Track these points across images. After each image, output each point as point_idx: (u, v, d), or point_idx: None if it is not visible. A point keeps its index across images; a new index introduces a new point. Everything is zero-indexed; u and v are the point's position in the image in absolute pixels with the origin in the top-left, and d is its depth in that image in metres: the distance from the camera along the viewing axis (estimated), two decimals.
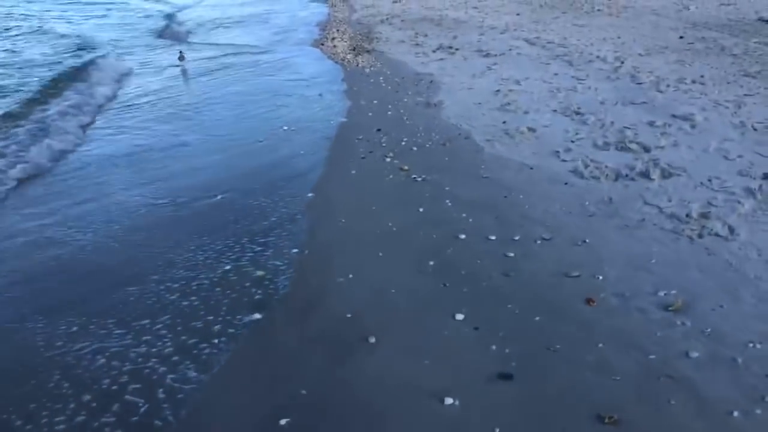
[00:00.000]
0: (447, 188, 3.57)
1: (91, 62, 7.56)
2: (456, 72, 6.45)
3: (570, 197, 3.37)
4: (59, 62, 7.68)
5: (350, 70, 6.99)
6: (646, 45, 6.92)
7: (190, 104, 5.88)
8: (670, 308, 2.38)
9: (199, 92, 6.34)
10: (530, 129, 4.44)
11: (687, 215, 3.03)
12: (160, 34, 10.66)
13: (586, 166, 3.71)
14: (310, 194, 3.69)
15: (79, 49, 8.49)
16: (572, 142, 4.13)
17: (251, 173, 4.16)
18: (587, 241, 2.92)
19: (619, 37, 7.45)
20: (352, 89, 6.04)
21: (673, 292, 2.46)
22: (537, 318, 2.39)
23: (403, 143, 4.43)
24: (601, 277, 2.62)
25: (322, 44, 8.74)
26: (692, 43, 6.96)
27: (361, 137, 4.62)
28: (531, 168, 3.78)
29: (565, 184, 3.53)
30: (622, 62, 6.08)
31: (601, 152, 3.92)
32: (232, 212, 3.49)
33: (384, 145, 4.44)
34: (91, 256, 3.05)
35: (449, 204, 3.38)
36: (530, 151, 4.06)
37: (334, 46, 8.41)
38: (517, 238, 2.99)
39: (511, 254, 2.86)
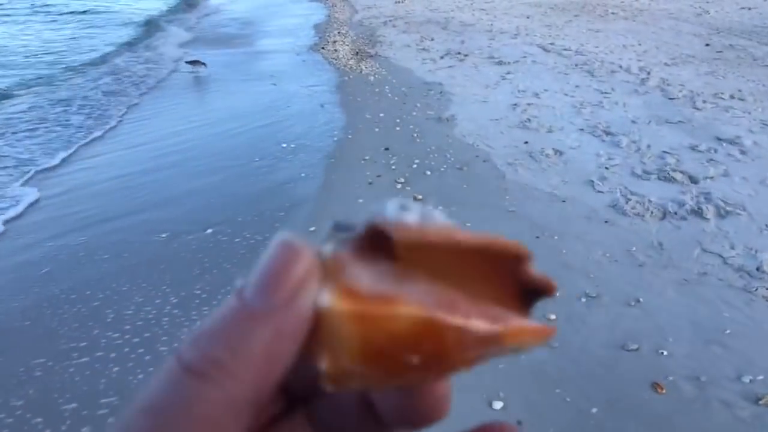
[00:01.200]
0: (468, 225, 3.10)
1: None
2: (467, 81, 5.98)
3: (613, 240, 2.91)
4: None
5: (353, 77, 6.51)
6: (671, 53, 6.46)
7: (183, 117, 5.40)
8: (760, 401, 1.93)
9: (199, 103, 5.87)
10: (557, 151, 3.98)
11: (758, 269, 2.57)
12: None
13: (627, 200, 3.24)
14: (312, 228, 3.23)
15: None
16: (606, 168, 3.67)
17: (247, 200, 3.69)
18: (641, 300, 2.46)
19: (639, 44, 6.99)
20: (356, 100, 5.56)
21: (761, 377, 2.01)
22: (594, 410, 1.94)
23: (415, 166, 3.96)
24: (665, 353, 2.16)
25: (323, 48, 8.26)
26: (721, 52, 6.51)
27: (367, 157, 4.15)
28: (563, 200, 3.32)
29: (606, 222, 3.07)
30: (649, 73, 5.61)
31: (641, 182, 3.46)
32: (220, 252, 3.03)
33: (393, 167, 3.97)
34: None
35: None
36: (559, 179, 3.59)
37: (335, 51, 7.93)
38: (557, 294, 2.53)
39: (552, 317, 2.40)
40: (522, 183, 3.57)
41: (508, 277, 0.27)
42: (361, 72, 6.67)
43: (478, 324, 0.25)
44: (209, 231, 3.28)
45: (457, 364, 0.24)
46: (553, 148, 4.02)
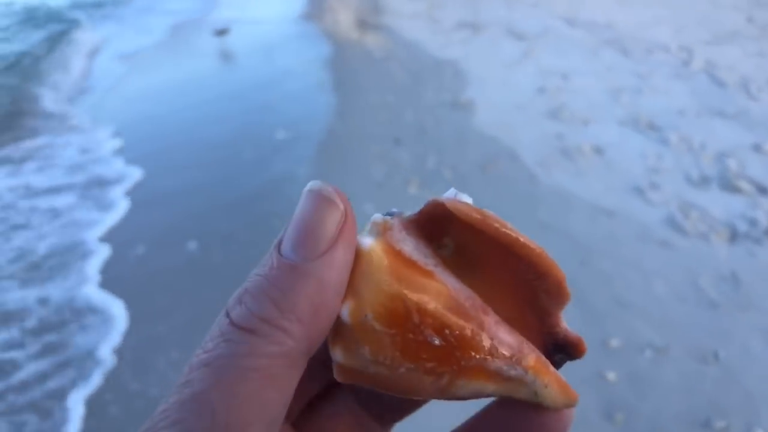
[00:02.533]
0: None
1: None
2: (484, 59, 5.37)
3: (674, 268, 2.41)
4: None
5: (356, 52, 5.89)
6: (711, 29, 5.82)
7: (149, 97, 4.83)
8: None
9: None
10: (595, 149, 3.43)
11: None
12: None
13: (686, 216, 2.73)
14: None
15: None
16: (655, 172, 3.14)
17: (237, 204, 3.18)
18: (720, 354, 1.98)
19: (675, 18, 6.33)
20: (360, 80, 4.97)
21: None
22: None
23: (430, 164, 3.43)
24: None
25: (320, 17, 7.57)
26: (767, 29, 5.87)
27: (374, 151, 3.62)
28: (609, 214, 2.80)
29: (663, 244, 2.56)
30: (690, 53, 5.01)
31: (699, 192, 2.94)
32: (205, 277, 2.53)
33: (404, 165, 3.45)
34: None
35: None
36: (602, 184, 3.07)
37: (336, 21, 7.26)
38: (614, 343, 2.04)
39: (611, 376, 1.92)
40: (558, 189, 3.04)
41: (539, 318, 0.26)
42: (364, 46, 6.05)
43: (506, 337, 0.24)
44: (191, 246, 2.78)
45: (473, 373, 0.24)
46: (591, 145, 3.48)
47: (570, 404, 0.25)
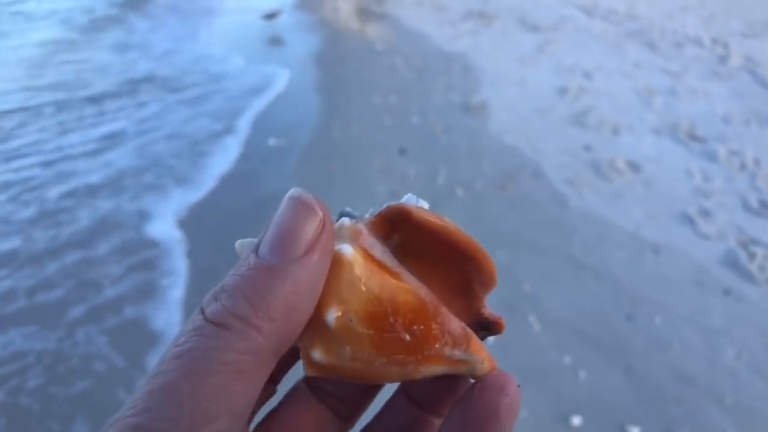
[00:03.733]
0: (525, 286, 2.16)
1: None
2: (496, 52, 4.89)
3: (745, 327, 1.98)
4: None
5: (356, 45, 5.40)
6: (744, 19, 5.34)
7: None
8: None
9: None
10: (630, 164, 2.99)
11: None
12: None
13: (750, 254, 2.29)
14: None
15: None
16: (705, 196, 2.69)
17: (223, 232, 2.73)
18: None
19: (702, 6, 5.83)
20: (361, 77, 4.49)
21: None
22: None
23: (441, 180, 2.98)
24: None
25: (316, 4, 7.04)
26: None
27: (378, 163, 3.17)
28: (655, 249, 2.36)
29: (726, 293, 2.13)
30: (726, 47, 4.53)
31: (761, 221, 2.50)
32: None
33: (411, 181, 3.00)
34: None
35: (535, 326, 1.99)
36: (642, 210, 2.62)
37: (335, 9, 6.73)
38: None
39: None
40: (592, 215, 2.60)
41: (468, 302, 0.31)
42: (365, 38, 5.55)
43: (456, 327, 0.29)
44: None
45: (432, 360, 0.28)
46: (626, 160, 3.03)
47: (492, 370, 0.29)
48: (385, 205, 0.30)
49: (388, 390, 0.34)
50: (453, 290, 0.30)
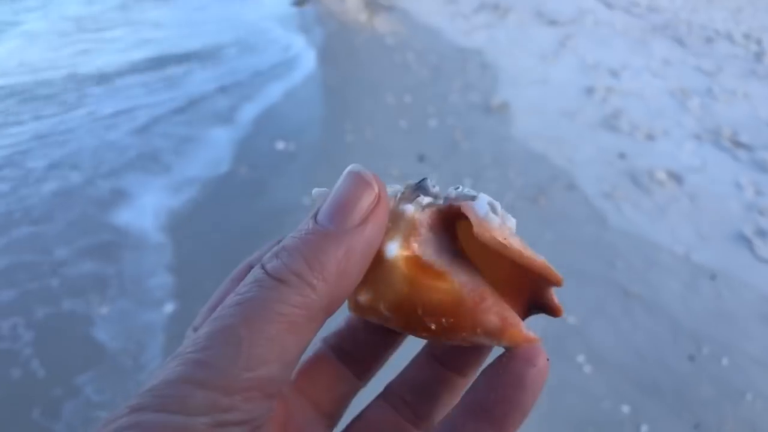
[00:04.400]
0: (570, 319, 1.94)
1: None
2: (515, 49, 4.63)
3: None
4: None
5: (365, 39, 5.13)
6: None
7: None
8: None
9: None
10: (672, 175, 2.75)
11: None
12: None
13: None
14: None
15: None
16: (760, 213, 2.46)
17: (222, 253, 2.49)
18: None
19: None
20: (373, 74, 4.24)
21: None
22: None
23: (466, 191, 2.74)
24: None
25: None
26: None
27: (396, 171, 2.93)
28: (711, 274, 2.13)
29: None
30: (759, 44, 4.27)
31: None
32: None
33: (435, 192, 2.76)
34: None
35: (585, 368, 1.76)
36: (691, 229, 2.39)
37: (340, 0, 6.44)
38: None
39: None
40: (635, 235, 2.37)
41: (529, 286, 0.32)
42: (374, 32, 5.28)
43: (493, 319, 0.29)
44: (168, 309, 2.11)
45: (458, 339, 0.30)
46: (666, 170, 2.79)
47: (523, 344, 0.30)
48: (453, 194, 0.31)
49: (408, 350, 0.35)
50: (513, 283, 0.31)
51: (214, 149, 3.25)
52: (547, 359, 0.30)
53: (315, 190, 0.31)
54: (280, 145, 3.32)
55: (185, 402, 0.23)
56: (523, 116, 3.48)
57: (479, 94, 3.83)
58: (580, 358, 1.81)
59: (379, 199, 0.28)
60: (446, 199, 0.31)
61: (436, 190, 0.31)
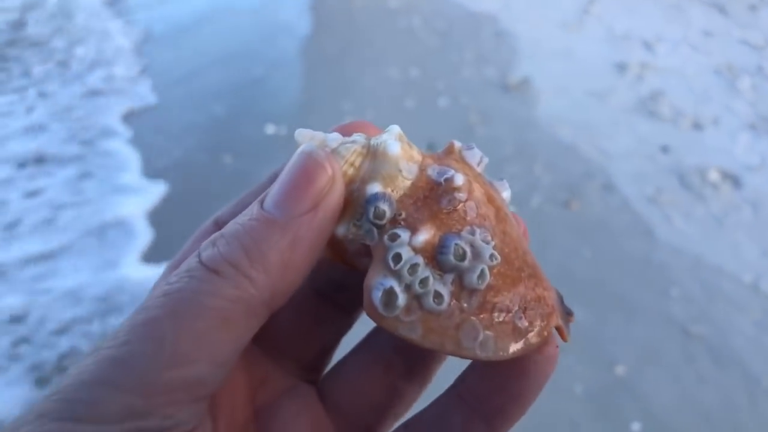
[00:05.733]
0: (619, 369, 1.57)
1: None
2: (531, 14, 4.12)
3: None
4: None
5: (364, 1, 4.58)
6: None
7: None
8: None
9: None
10: (727, 175, 2.34)
11: None
12: None
13: None
14: None
15: None
16: None
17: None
18: None
19: None
20: (374, 43, 3.74)
21: None
22: None
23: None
24: None
25: None
26: None
27: None
28: None
29: None
30: None
31: None
32: None
33: None
34: None
35: None
36: (755, 245, 2.01)
37: None
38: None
39: None
40: (689, 253, 1.98)
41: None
42: None
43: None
44: None
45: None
46: (719, 169, 2.38)
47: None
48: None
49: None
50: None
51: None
52: (557, 347, 0.26)
53: (298, 131, 0.28)
54: (270, 129, 2.88)
55: (95, 408, 0.20)
56: (547, 96, 3.04)
57: (495, 68, 3.37)
58: (636, 427, 1.45)
59: (333, 182, 0.25)
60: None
61: (385, 212, 0.27)
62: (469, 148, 0.31)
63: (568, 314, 0.29)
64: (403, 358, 0.31)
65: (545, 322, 0.27)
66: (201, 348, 0.22)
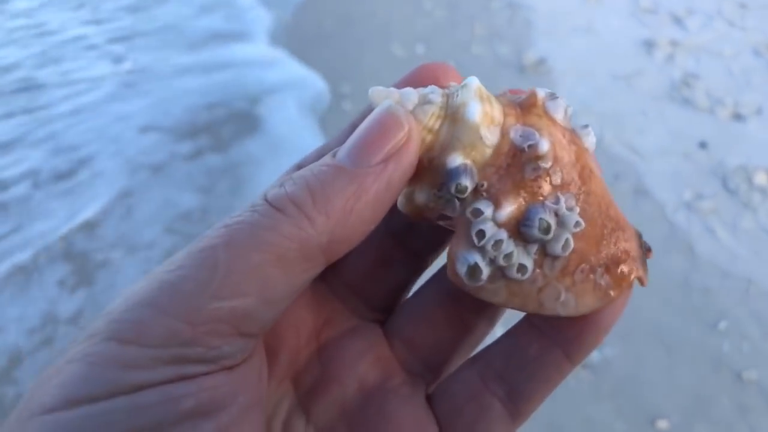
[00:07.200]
0: (661, 425, 1.35)
1: None
2: None
3: None
4: None
5: None
6: None
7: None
8: None
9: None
10: None
11: None
12: None
13: None
14: None
15: None
16: None
17: None
18: None
19: None
20: (375, 15, 3.39)
21: None
22: None
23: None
24: None
25: None
26: None
27: None
28: None
29: None
30: None
31: None
32: None
33: None
34: None
35: None
36: None
37: None
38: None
39: None
40: (736, 275, 1.73)
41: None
42: None
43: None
44: None
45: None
46: (766, 169, 2.11)
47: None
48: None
49: None
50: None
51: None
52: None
53: (372, 89, 0.28)
54: (262, 109, 2.59)
55: (141, 330, 0.20)
56: (567, 79, 2.73)
57: (509, 46, 3.05)
58: None
59: (408, 138, 0.25)
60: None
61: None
62: (553, 98, 0.29)
63: (647, 250, 0.29)
64: None
65: (626, 276, 0.27)
66: (253, 281, 0.22)
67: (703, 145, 2.25)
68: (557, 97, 0.29)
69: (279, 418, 0.28)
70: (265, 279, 0.22)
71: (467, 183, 0.26)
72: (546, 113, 0.29)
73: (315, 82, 2.80)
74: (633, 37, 3.03)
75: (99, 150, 2.32)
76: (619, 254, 0.27)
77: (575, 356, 0.27)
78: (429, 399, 0.30)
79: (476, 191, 0.26)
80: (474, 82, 0.28)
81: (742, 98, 2.48)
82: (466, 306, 0.31)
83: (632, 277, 0.27)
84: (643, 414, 1.39)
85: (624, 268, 0.27)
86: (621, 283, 0.27)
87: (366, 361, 0.30)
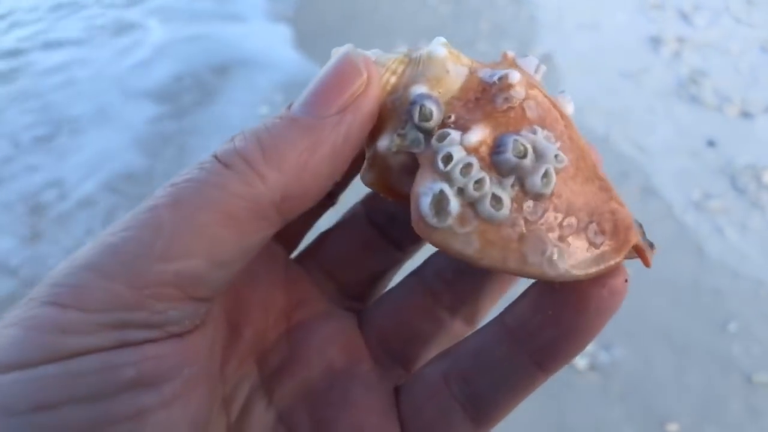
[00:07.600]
0: (671, 429, 1.33)
1: None
2: None
3: None
4: None
5: None
6: None
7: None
8: None
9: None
10: None
11: None
12: None
13: None
14: None
15: None
16: None
17: None
18: None
19: None
20: (377, 10, 3.36)
21: None
22: None
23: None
24: None
25: None
26: None
27: None
28: None
29: None
30: None
31: None
32: None
33: None
34: None
35: None
36: None
37: None
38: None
39: None
40: (746, 276, 1.71)
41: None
42: None
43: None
44: None
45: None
46: None
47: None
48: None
49: None
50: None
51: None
52: (626, 281, 0.23)
53: (334, 50, 0.26)
54: (263, 110, 2.57)
55: (81, 294, 0.20)
56: (573, 76, 2.71)
57: (514, 42, 3.02)
58: None
59: (367, 86, 0.24)
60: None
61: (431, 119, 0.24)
62: (525, 56, 0.28)
63: (650, 246, 0.25)
64: (451, 291, 0.30)
65: (623, 237, 0.23)
66: (200, 242, 0.21)
67: (711, 143, 2.23)
68: (528, 55, 0.28)
69: (239, 399, 0.27)
70: (214, 239, 0.21)
71: (432, 107, 0.24)
72: (517, 66, 0.27)
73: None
74: (639, 34, 3.00)
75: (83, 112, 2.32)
76: (612, 213, 0.24)
77: (548, 364, 0.24)
78: (397, 392, 0.29)
79: (443, 124, 0.24)
80: (440, 38, 0.27)
81: (750, 96, 2.46)
82: (443, 303, 0.30)
83: (631, 241, 0.23)
84: (653, 417, 1.38)
85: (622, 231, 0.23)
86: (620, 247, 0.23)
87: (336, 347, 0.29)
